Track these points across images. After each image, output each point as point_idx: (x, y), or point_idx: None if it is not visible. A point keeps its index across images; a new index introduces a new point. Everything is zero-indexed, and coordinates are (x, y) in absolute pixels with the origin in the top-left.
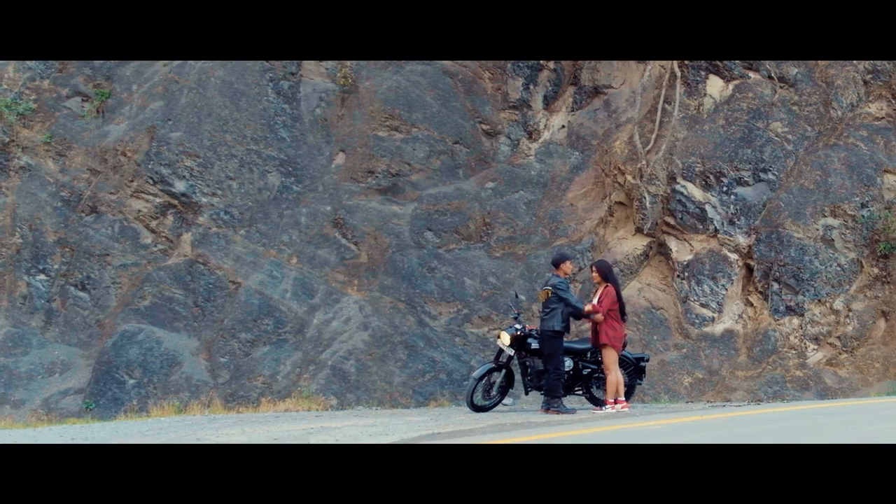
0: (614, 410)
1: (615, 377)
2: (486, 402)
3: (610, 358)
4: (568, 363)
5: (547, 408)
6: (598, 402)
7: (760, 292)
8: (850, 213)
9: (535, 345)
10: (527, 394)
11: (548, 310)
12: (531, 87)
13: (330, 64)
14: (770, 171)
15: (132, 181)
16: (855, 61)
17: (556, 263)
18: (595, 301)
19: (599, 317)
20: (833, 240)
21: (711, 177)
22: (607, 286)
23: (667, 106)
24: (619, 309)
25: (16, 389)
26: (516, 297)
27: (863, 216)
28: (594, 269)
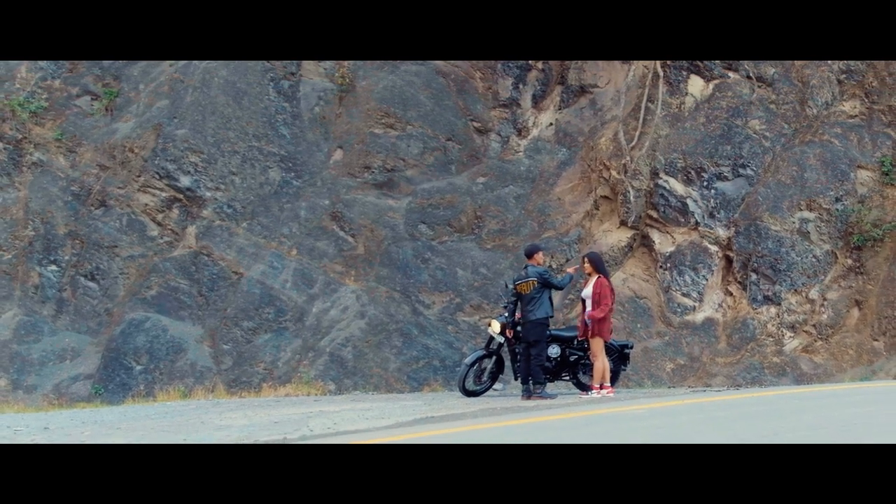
0: (599, 395)
1: (602, 364)
2: (478, 388)
3: (598, 346)
4: (556, 350)
5: (529, 395)
6: (585, 388)
7: (739, 282)
8: (825, 206)
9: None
10: (516, 379)
11: (533, 300)
12: (520, 86)
13: (328, 64)
14: (748, 166)
15: (139, 176)
16: (829, 61)
17: (531, 254)
18: (586, 291)
19: (598, 314)
20: (809, 232)
21: (692, 172)
22: (599, 277)
23: (650, 104)
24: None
25: (28, 375)
26: (506, 286)
27: (837, 210)
28: (586, 260)
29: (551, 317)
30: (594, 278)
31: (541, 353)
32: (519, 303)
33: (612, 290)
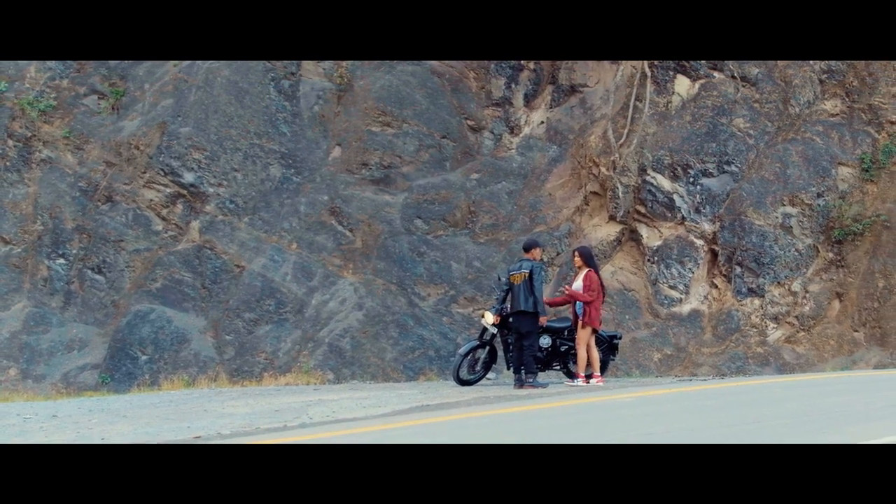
0: (585, 384)
1: (584, 353)
2: (471, 377)
3: (583, 335)
4: (547, 341)
5: (521, 384)
6: (575, 377)
7: (724, 275)
8: (806, 202)
9: None
10: (509, 369)
11: (526, 291)
12: (513, 85)
13: (327, 64)
14: (733, 163)
15: (144, 173)
16: (811, 62)
17: (529, 248)
18: (576, 284)
19: (585, 297)
20: (791, 227)
21: (679, 169)
22: (589, 270)
23: (638, 103)
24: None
25: (37, 365)
26: (499, 279)
27: (819, 205)
28: (576, 253)
29: (537, 311)
30: (584, 272)
31: (533, 344)
32: (511, 293)
33: (601, 282)
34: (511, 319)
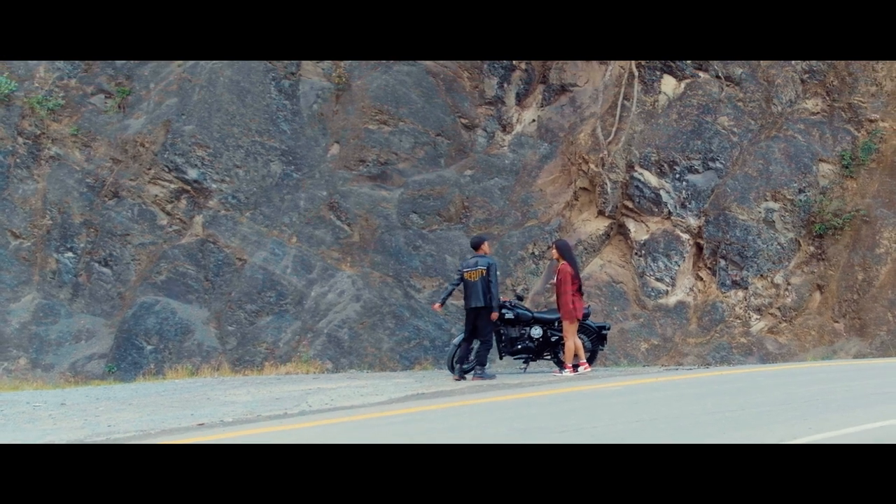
0: (572, 374)
1: (572, 344)
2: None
3: (568, 328)
4: (538, 331)
5: (460, 376)
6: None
7: (709, 268)
8: (789, 197)
9: (508, 315)
10: (501, 358)
11: (482, 287)
12: (505, 85)
13: (326, 64)
14: (718, 160)
15: (150, 169)
16: (793, 62)
17: (478, 245)
18: (553, 280)
19: (564, 308)
20: (774, 221)
21: (665, 165)
22: (563, 264)
23: (626, 102)
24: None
25: (46, 355)
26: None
27: (800, 200)
28: (553, 246)
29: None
30: (559, 265)
31: (489, 339)
32: (465, 289)
33: (573, 275)
34: (469, 314)
